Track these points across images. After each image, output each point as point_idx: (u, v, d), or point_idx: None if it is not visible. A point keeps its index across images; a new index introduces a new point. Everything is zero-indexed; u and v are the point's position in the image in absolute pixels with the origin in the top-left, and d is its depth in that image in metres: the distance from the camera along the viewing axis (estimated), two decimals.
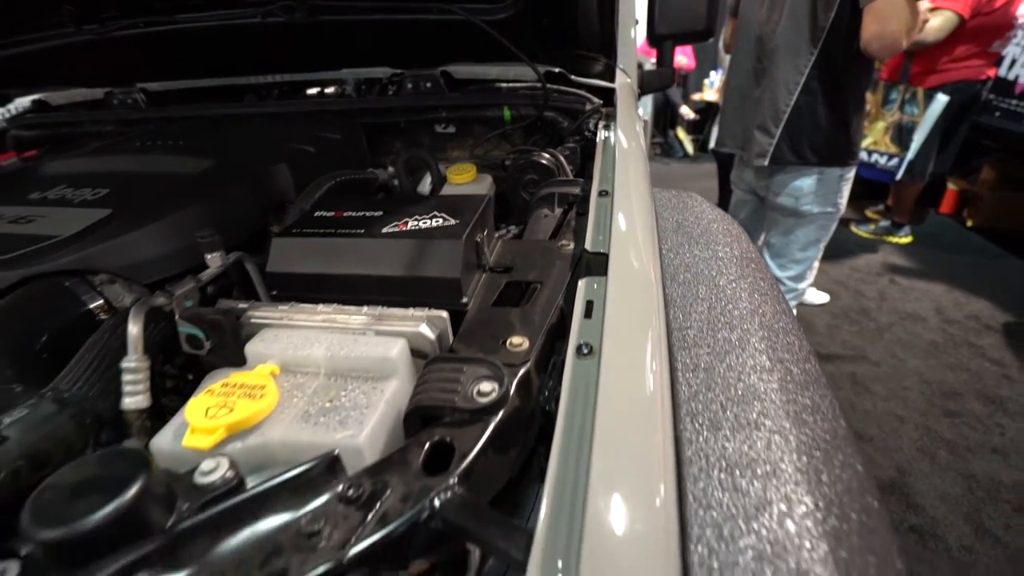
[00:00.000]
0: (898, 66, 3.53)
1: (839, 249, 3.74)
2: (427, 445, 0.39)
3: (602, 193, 0.69)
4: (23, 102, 1.45)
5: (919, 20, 1.37)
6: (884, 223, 3.90)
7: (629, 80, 1.21)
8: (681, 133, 5.79)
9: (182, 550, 0.31)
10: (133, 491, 0.32)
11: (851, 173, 1.68)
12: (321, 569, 0.31)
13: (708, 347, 0.47)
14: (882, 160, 3.74)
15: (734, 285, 0.56)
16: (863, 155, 3.83)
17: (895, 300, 3.15)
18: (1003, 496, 1.91)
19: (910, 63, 3.45)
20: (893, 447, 2.15)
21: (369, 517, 0.34)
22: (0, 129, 1.34)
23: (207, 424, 0.41)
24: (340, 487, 0.35)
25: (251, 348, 0.51)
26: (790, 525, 0.32)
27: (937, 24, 3.07)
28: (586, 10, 0.88)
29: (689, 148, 5.67)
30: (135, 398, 0.46)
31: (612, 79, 1.10)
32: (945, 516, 1.85)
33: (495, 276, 0.60)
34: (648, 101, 3.41)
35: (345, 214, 0.64)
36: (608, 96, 1.09)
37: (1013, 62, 3.43)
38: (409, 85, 1.17)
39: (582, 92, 1.08)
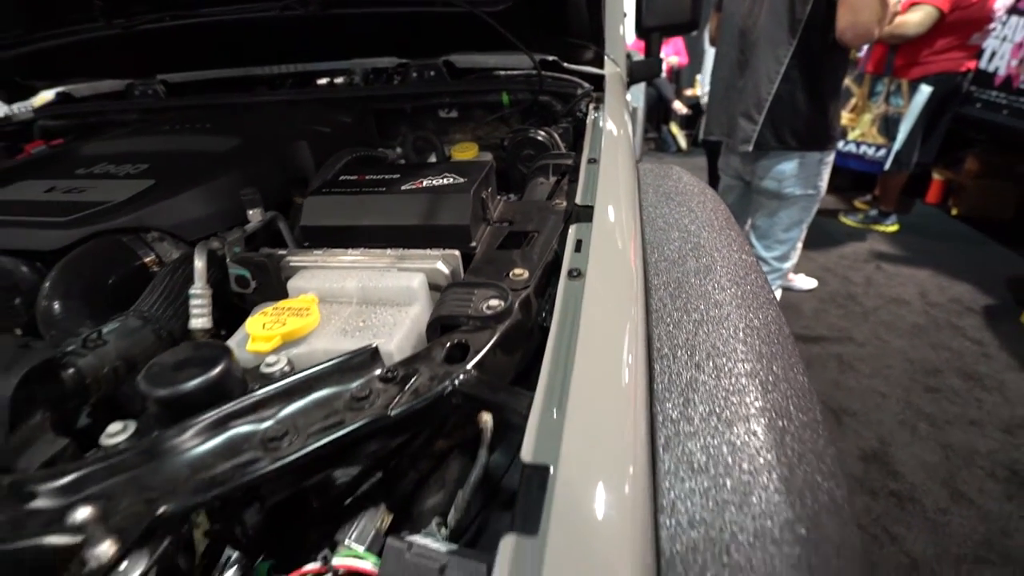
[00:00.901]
0: (883, 59, 3.64)
1: (828, 238, 3.85)
2: (447, 345, 0.48)
3: (591, 161, 0.78)
4: (47, 95, 1.54)
5: (889, 11, 1.47)
6: (872, 212, 4.01)
7: (618, 68, 1.31)
8: (675, 128, 5.90)
9: (261, 409, 0.40)
10: (220, 367, 0.41)
11: (830, 157, 1.77)
12: (368, 419, 0.40)
13: (679, 271, 0.56)
14: (870, 151, 3.85)
15: (705, 233, 0.66)
16: (852, 147, 3.94)
17: (881, 285, 3.25)
18: (978, 463, 2.01)
19: (894, 56, 3.56)
20: (875, 420, 2.25)
21: (404, 391, 0.43)
22: (27, 119, 1.42)
23: (265, 333, 0.50)
24: (379, 371, 0.44)
25: (293, 284, 0.60)
26: (742, 379, 0.41)
27: (918, 18, 3.18)
28: (576, 1, 0.97)
29: (682, 143, 5.78)
30: (200, 320, 0.56)
31: (601, 66, 1.19)
32: (923, 482, 1.95)
33: (498, 228, 0.69)
34: (641, 97, 3.52)
35: (367, 177, 0.73)
36: (598, 82, 1.19)
37: (993, 54, 3.55)
38: (414, 74, 1.26)
39: (574, 78, 1.18)
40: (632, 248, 0.55)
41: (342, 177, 0.74)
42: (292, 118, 1.08)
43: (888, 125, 3.69)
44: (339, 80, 1.34)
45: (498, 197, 0.79)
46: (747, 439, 0.38)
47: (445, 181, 0.69)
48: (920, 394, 2.38)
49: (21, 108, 1.50)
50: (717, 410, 0.41)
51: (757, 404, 0.41)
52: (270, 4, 1.09)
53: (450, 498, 0.48)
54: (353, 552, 0.42)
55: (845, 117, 3.89)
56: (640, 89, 3.45)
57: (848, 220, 4.08)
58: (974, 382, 2.43)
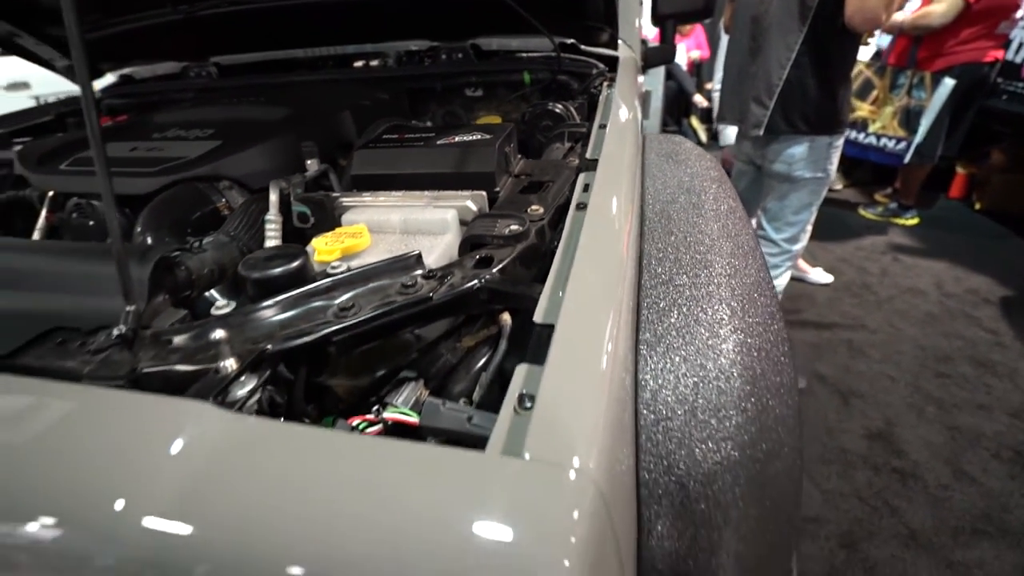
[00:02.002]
0: (905, 51, 3.63)
1: (846, 230, 3.86)
2: (476, 257, 0.59)
3: (600, 126, 0.88)
4: (110, 77, 1.69)
5: None
6: (891, 206, 4.00)
7: (632, 51, 1.40)
8: (695, 121, 5.92)
9: (332, 291, 0.52)
10: (300, 260, 0.53)
11: (839, 141, 1.84)
12: (415, 299, 0.51)
13: (670, 207, 0.66)
14: (891, 144, 3.85)
15: (696, 183, 0.76)
16: (872, 139, 3.94)
17: (896, 276, 3.27)
18: (983, 444, 2.05)
19: (917, 48, 3.55)
20: (883, 402, 2.30)
21: (442, 285, 0.54)
22: (95, 99, 1.58)
23: (328, 247, 0.62)
24: (422, 270, 0.56)
25: (346, 218, 0.72)
26: (716, 279, 0.51)
27: (942, 8, 3.18)
28: None
29: (702, 136, 5.80)
30: (273, 240, 0.68)
31: (616, 48, 1.29)
32: (927, 460, 2.00)
33: (519, 180, 0.80)
34: (659, 86, 3.58)
35: (406, 136, 0.85)
36: (613, 63, 1.28)
37: (1021, 45, 3.51)
38: (443, 55, 1.37)
39: (590, 59, 1.28)
40: (629, 187, 0.65)
41: (385, 136, 0.86)
42: (335, 93, 1.21)
43: (909, 118, 3.68)
44: (375, 63, 1.46)
45: (519, 156, 0.90)
46: (715, 319, 0.48)
47: (473, 137, 0.80)
48: (930, 379, 2.42)
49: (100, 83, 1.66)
50: (692, 304, 0.51)
51: (727, 298, 0.51)
52: None
53: (474, 384, 0.60)
54: (399, 409, 0.53)
55: (866, 109, 3.89)
56: (659, 80, 3.51)
57: (867, 213, 4.08)
58: (985, 369, 2.45)
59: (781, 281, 2.11)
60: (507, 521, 0.27)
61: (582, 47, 1.31)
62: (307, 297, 0.51)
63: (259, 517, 0.28)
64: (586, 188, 0.67)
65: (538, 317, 0.45)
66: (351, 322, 0.48)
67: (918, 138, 3.60)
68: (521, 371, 0.40)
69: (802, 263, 3.17)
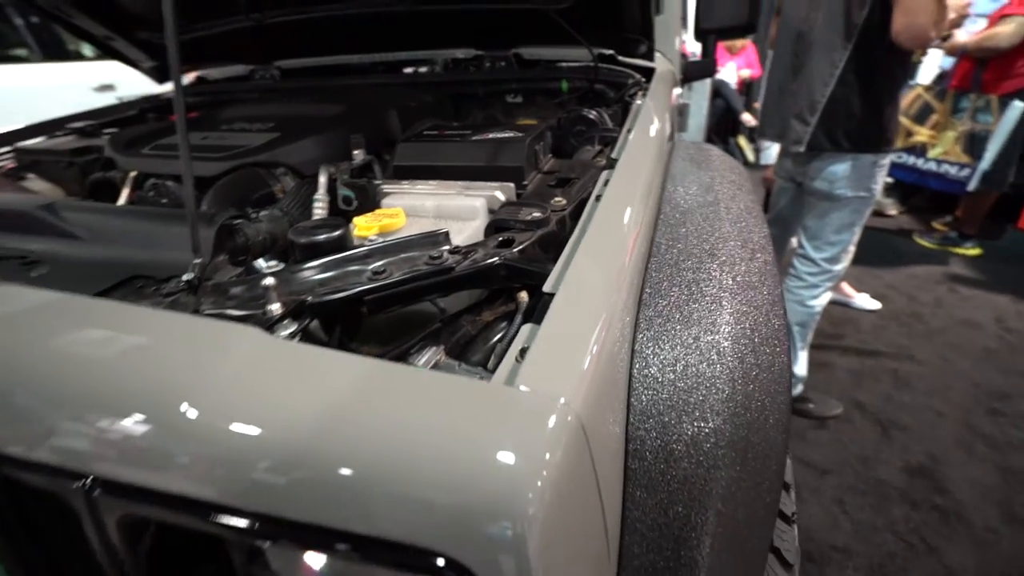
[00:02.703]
0: (969, 74, 3.49)
1: (898, 257, 3.70)
2: (499, 238, 0.64)
3: (628, 131, 0.92)
4: (187, 77, 1.87)
5: (946, 13, 1.50)
6: (951, 234, 3.81)
7: (670, 64, 1.44)
8: (742, 140, 5.83)
9: (368, 258, 0.58)
10: (342, 230, 0.60)
11: (885, 160, 1.80)
12: (440, 269, 0.56)
13: (691, 206, 0.69)
14: (953, 170, 3.69)
15: (717, 185, 0.78)
16: (932, 165, 3.78)
17: (952, 307, 3.11)
18: None
19: (982, 71, 3.41)
20: (928, 437, 2.19)
21: (466, 260, 0.59)
22: (172, 96, 1.74)
23: (366, 225, 0.69)
24: (448, 246, 0.61)
25: (385, 203, 0.79)
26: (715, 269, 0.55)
27: (1010, 29, 3.05)
28: (629, 0, 1.12)
29: (749, 155, 5.70)
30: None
31: (652, 59, 1.33)
32: (974, 501, 1.89)
33: (547, 176, 0.85)
34: (704, 103, 3.56)
35: (446, 132, 0.91)
36: (650, 74, 1.32)
37: None
38: (487, 64, 1.45)
39: (627, 70, 1.32)
40: (644, 182, 0.69)
41: (425, 132, 0.93)
42: (384, 95, 1.30)
43: (974, 143, 3.52)
44: (423, 69, 1.56)
45: (549, 156, 0.95)
46: (713, 300, 0.52)
47: (506, 134, 0.86)
48: (982, 416, 2.29)
49: (168, 87, 1.84)
50: (693, 285, 0.54)
51: (727, 284, 0.54)
52: (373, 2, 1.32)
53: (490, 355, 0.64)
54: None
55: (925, 134, 3.75)
56: (704, 96, 3.49)
57: (924, 241, 3.90)
58: None
59: (820, 301, 2.06)
60: (493, 431, 0.32)
61: (620, 58, 1.35)
62: (345, 261, 0.57)
63: (301, 421, 0.34)
64: (605, 183, 0.72)
65: (547, 288, 0.50)
66: (381, 283, 0.53)
67: (985, 164, 3.44)
68: (525, 330, 0.45)
69: (847, 287, 3.07)
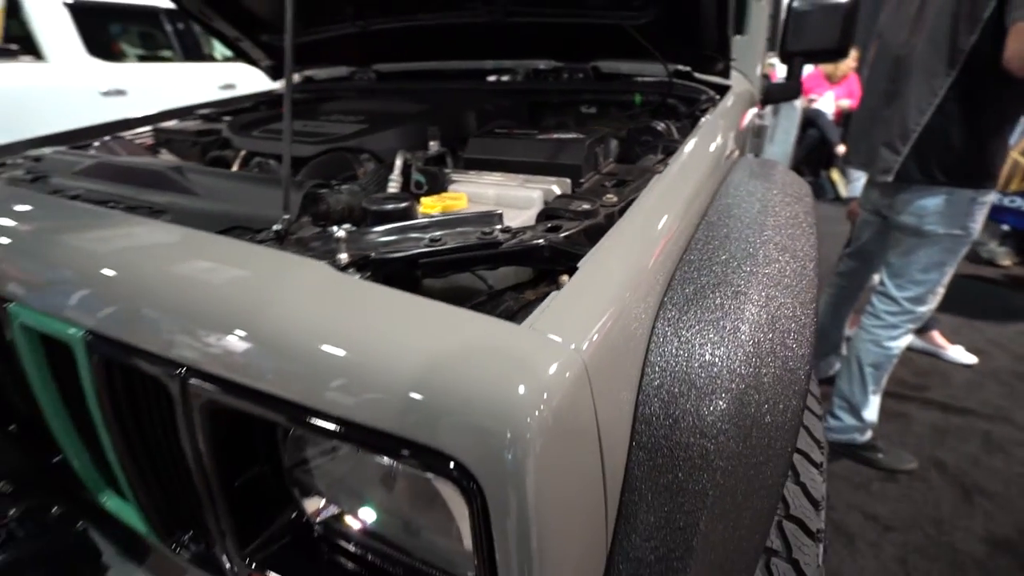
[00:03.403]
0: None
1: (1006, 312, 3.34)
2: (548, 224, 0.69)
3: (687, 141, 0.95)
4: (296, 77, 2.09)
5: None
6: None
7: (748, 83, 1.43)
8: (835, 175, 5.51)
9: (428, 228, 0.65)
10: (409, 202, 0.68)
11: (986, 197, 1.66)
12: (491, 243, 0.62)
13: (739, 211, 0.71)
14: None
15: (770, 195, 0.79)
16: None
17: None
18: None
19: None
20: (1019, 508, 1.96)
21: (515, 238, 0.65)
22: (282, 93, 1.96)
23: (431, 204, 0.76)
24: (500, 225, 0.67)
25: (451, 188, 0.86)
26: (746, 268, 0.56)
27: None
28: (707, 19, 1.14)
29: (842, 190, 5.37)
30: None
31: (728, 77, 1.33)
32: None
33: (604, 177, 0.90)
34: (792, 130, 3.40)
35: (515, 131, 0.98)
36: (725, 92, 1.33)
37: None
38: (565, 75, 1.51)
39: (701, 86, 1.33)
40: (690, 185, 0.72)
41: (496, 130, 1.01)
42: (466, 98, 1.40)
43: None
44: (505, 78, 1.65)
45: (610, 160, 0.99)
46: (740, 292, 0.54)
47: (569, 136, 0.91)
48: None
49: (280, 84, 2.07)
50: (722, 278, 0.56)
51: (758, 280, 0.56)
52: (471, 12, 1.43)
53: None
54: None
55: None
56: (792, 123, 3.34)
57: None
58: None
59: (898, 343, 1.92)
60: (507, 360, 0.37)
61: (696, 75, 1.37)
62: (407, 229, 0.65)
63: (351, 335, 0.41)
64: (656, 184, 0.75)
65: (581, 264, 0.55)
66: (435, 249, 0.60)
67: None
68: (552, 295, 0.50)
69: (939, 337, 2.82)
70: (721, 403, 0.45)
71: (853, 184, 4.11)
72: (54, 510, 0.69)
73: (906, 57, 1.66)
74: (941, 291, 1.85)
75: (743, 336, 0.49)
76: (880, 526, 1.87)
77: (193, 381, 0.45)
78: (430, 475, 0.38)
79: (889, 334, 1.90)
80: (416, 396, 0.36)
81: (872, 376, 1.97)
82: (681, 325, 0.50)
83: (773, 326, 0.52)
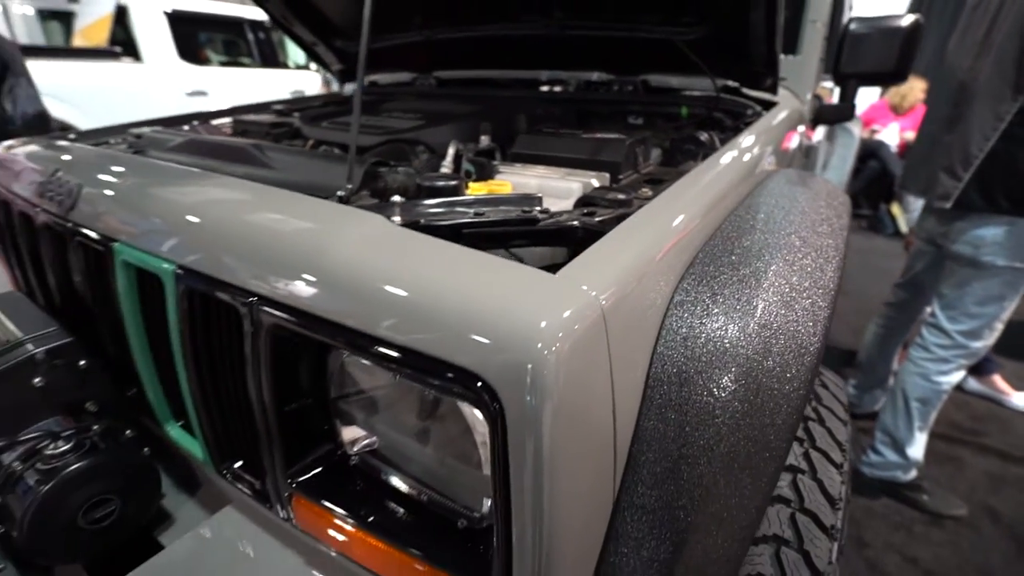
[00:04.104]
0: None
1: None
2: (583, 209, 0.74)
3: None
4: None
5: None
6: None
7: (798, 101, 1.44)
8: (896, 209, 5.28)
9: (472, 205, 0.71)
10: (457, 181, 0.74)
11: None
12: (528, 220, 0.68)
13: (766, 208, 0.74)
14: None
15: (801, 198, 0.81)
16: None
17: None
18: None
19: None
20: None
21: (551, 218, 0.70)
22: (348, 96, 2.11)
23: (479, 188, 0.83)
24: (539, 207, 0.73)
25: (498, 178, 0.93)
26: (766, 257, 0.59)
27: None
28: (756, 36, 1.16)
29: (902, 225, 5.13)
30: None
31: (775, 93, 1.35)
32: None
33: (643, 176, 0.94)
34: (849, 158, 3.29)
35: (561, 131, 1.04)
36: (772, 108, 1.35)
37: None
38: (615, 87, 1.57)
39: (748, 101, 1.36)
40: (719, 184, 0.76)
41: (544, 129, 1.07)
42: (518, 104, 1.48)
43: None
44: (558, 88, 1.72)
45: (650, 162, 1.03)
46: (755, 275, 0.57)
47: (612, 136, 0.96)
48: None
49: (348, 87, 2.22)
50: (739, 260, 0.60)
51: (775, 268, 0.59)
52: (529, 24, 1.51)
53: None
54: None
55: None
56: (849, 151, 3.24)
57: None
58: None
59: (949, 379, 1.83)
60: (534, 298, 0.42)
61: (744, 90, 1.39)
62: (455, 204, 0.71)
63: (401, 273, 0.47)
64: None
65: (609, 234, 0.59)
66: (479, 220, 0.66)
67: None
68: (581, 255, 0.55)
69: (1001, 382, 2.65)
70: (730, 367, 0.48)
71: (911, 215, 3.94)
72: (127, 433, 0.78)
73: (971, 82, 1.62)
74: (999, 327, 1.76)
75: (757, 310, 0.52)
76: (920, 570, 1.77)
77: (263, 308, 0.53)
78: (459, 398, 0.44)
79: (939, 368, 1.82)
80: (454, 323, 0.42)
81: (919, 412, 1.88)
82: (698, 295, 0.54)
83: (788, 305, 0.55)
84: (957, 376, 1.84)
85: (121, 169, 0.83)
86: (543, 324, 0.40)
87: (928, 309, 1.99)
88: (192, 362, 0.65)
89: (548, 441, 0.41)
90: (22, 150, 1.03)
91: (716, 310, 0.52)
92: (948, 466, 2.24)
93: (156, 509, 0.80)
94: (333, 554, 0.62)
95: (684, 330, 0.51)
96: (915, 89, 4.99)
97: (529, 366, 0.39)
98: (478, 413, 0.44)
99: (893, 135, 5.20)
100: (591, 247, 0.52)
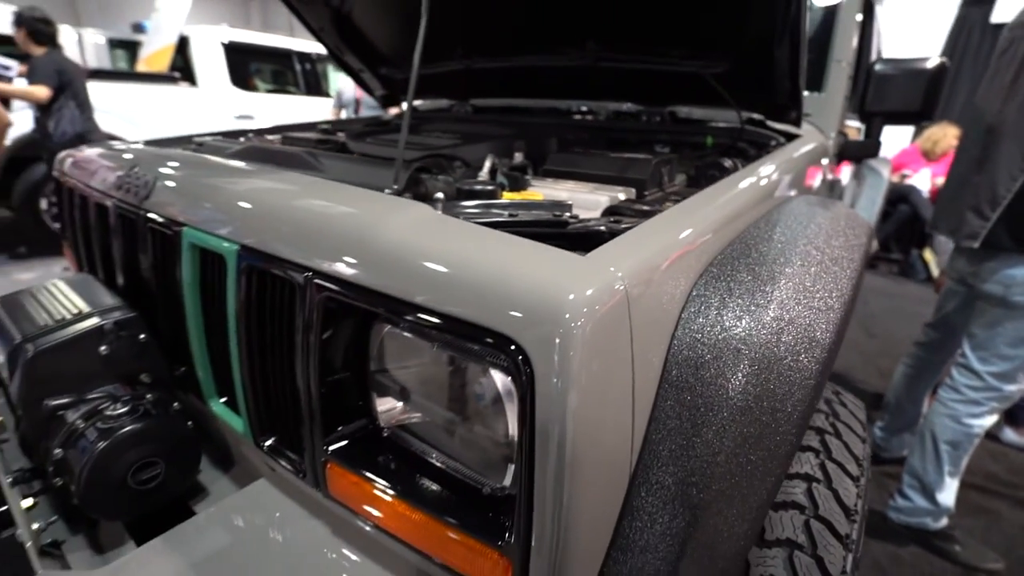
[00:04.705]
0: None
1: None
2: (611, 217, 0.79)
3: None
4: (403, 107, 2.37)
5: None
6: None
7: (822, 135, 1.49)
8: (928, 254, 5.18)
9: (509, 207, 0.77)
10: (494, 187, 0.81)
11: None
12: (557, 221, 0.73)
13: (787, 222, 0.78)
14: None
15: (819, 216, 0.85)
16: None
17: None
18: None
19: None
20: None
21: (579, 223, 0.75)
22: (388, 119, 2.24)
23: (511, 196, 0.89)
24: (569, 212, 0.78)
25: (529, 190, 0.99)
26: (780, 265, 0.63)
27: None
28: (780, 70, 1.22)
29: (934, 270, 5.03)
30: None
31: (799, 126, 1.40)
32: None
33: (668, 194, 0.99)
34: (877, 199, 3.27)
35: (591, 151, 1.11)
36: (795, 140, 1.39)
37: None
38: (644, 118, 1.64)
39: (772, 133, 1.41)
40: (738, 202, 0.80)
41: (575, 149, 1.14)
42: (550, 128, 1.56)
43: None
44: (589, 116, 1.81)
45: (675, 183, 1.08)
46: (770, 277, 0.60)
47: (639, 155, 1.02)
48: None
49: (391, 112, 2.36)
50: (755, 262, 0.63)
51: (789, 271, 0.63)
52: (565, 57, 1.60)
53: None
54: None
55: None
56: (878, 192, 3.23)
57: None
58: None
59: (980, 422, 1.78)
60: (564, 275, 0.47)
61: (768, 123, 1.45)
62: (491, 205, 0.77)
63: (444, 252, 0.53)
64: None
65: (635, 229, 0.64)
66: (512, 220, 0.72)
67: None
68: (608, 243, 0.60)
69: None
70: (744, 354, 0.51)
71: (943, 258, 3.87)
72: (175, 405, 0.84)
73: (999, 125, 1.64)
74: None
75: (771, 304, 0.55)
76: None
77: (317, 281, 0.59)
78: (493, 363, 0.48)
79: (969, 411, 1.78)
80: (494, 293, 0.47)
81: (948, 456, 1.83)
82: (716, 288, 0.57)
83: (801, 301, 0.58)
84: (989, 420, 1.78)
85: (191, 165, 0.92)
86: (573, 295, 0.44)
87: (959, 350, 1.95)
88: (244, 336, 0.71)
89: (573, 402, 0.45)
90: (99, 152, 1.15)
91: (732, 303, 0.56)
92: (983, 518, 2.14)
93: (193, 481, 0.85)
94: (360, 524, 0.66)
95: (702, 318, 0.55)
96: (948, 136, 4.98)
97: (560, 329, 0.43)
98: (509, 379, 0.48)
99: (925, 180, 5.16)
100: (617, 238, 0.57)
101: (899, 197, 5.28)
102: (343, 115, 5.29)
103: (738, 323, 0.53)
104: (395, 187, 0.79)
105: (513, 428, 0.51)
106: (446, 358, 0.56)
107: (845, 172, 2.28)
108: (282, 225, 0.66)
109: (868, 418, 1.45)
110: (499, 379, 0.51)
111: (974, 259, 1.76)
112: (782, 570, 0.66)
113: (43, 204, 4.36)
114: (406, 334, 0.57)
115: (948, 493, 1.87)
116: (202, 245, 0.75)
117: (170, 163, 0.93)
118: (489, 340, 0.46)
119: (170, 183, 0.86)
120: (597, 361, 0.45)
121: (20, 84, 3.52)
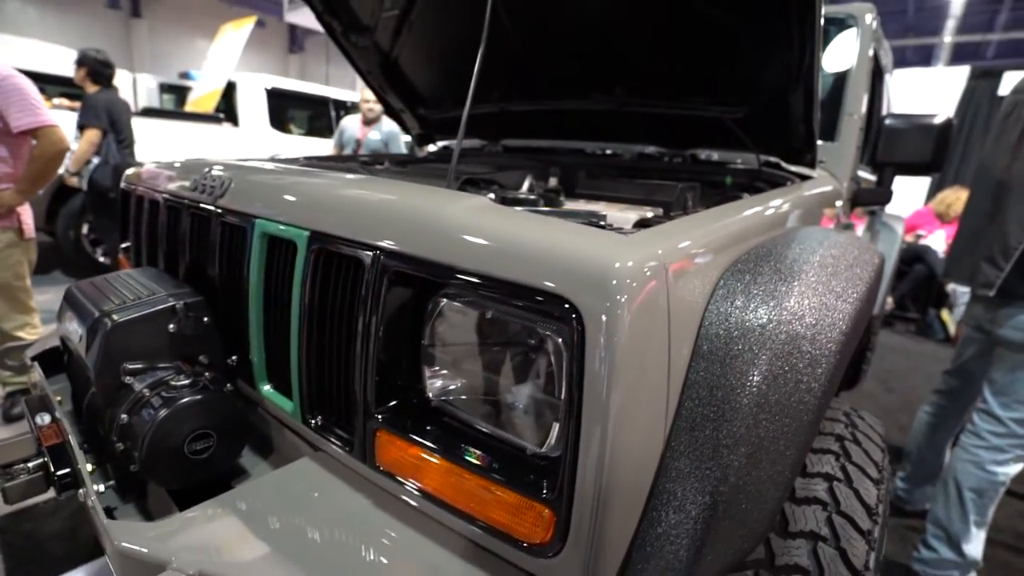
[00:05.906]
0: None
1: None
2: (634, 225, 0.87)
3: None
4: (434, 146, 2.53)
5: None
6: None
7: (835, 180, 1.58)
8: (945, 314, 5.16)
9: (548, 213, 0.85)
10: (535, 196, 0.89)
11: None
12: (592, 224, 0.80)
13: (806, 239, 0.85)
14: None
15: (835, 236, 0.92)
16: None
17: None
18: None
19: None
20: None
21: (612, 227, 0.83)
22: (423, 158, 2.39)
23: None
24: (602, 221, 0.86)
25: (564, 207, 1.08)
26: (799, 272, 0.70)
27: None
28: (795, 114, 1.32)
29: (952, 329, 4.99)
30: None
31: (813, 168, 1.49)
32: None
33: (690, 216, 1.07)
34: (892, 254, 3.31)
35: (620, 179, 1.20)
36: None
37: None
38: (666, 159, 1.75)
39: (788, 174, 1.50)
40: (759, 220, 0.88)
41: (604, 178, 1.24)
42: (578, 163, 1.67)
43: None
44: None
45: (698, 208, 1.16)
46: (789, 276, 0.67)
47: (665, 181, 1.11)
48: None
49: (428, 150, 2.51)
50: (776, 265, 0.70)
51: (806, 274, 0.69)
52: (592, 101, 1.74)
53: None
54: None
55: None
56: (892, 248, 3.27)
57: None
58: None
59: (1006, 470, 1.75)
60: (615, 251, 0.54)
61: (783, 164, 1.54)
62: (532, 211, 0.85)
63: (506, 233, 0.60)
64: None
65: (670, 222, 0.72)
66: (557, 211, 0.80)
67: None
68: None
69: None
70: (769, 331, 0.57)
71: (959, 309, 3.86)
72: (227, 387, 0.90)
73: (1007, 180, 1.72)
74: None
75: (788, 301, 0.62)
76: None
77: (384, 259, 0.66)
78: (546, 321, 0.54)
79: (993, 457, 1.75)
80: (550, 259, 0.55)
81: (974, 504, 1.79)
82: (744, 274, 0.64)
83: (819, 292, 0.64)
84: (1014, 468, 1.75)
85: (264, 168, 1.03)
86: (620, 264, 0.51)
87: (979, 396, 1.94)
88: (307, 316, 0.78)
89: (618, 357, 0.50)
90: (170, 164, 1.27)
91: (756, 290, 0.62)
92: (1009, 574, 2.05)
93: (238, 459, 0.90)
94: (402, 496, 0.70)
95: (729, 301, 0.61)
96: (961, 199, 5.08)
97: (611, 291, 0.50)
98: (560, 340, 0.54)
99: (939, 242, 5.22)
100: (657, 226, 0.64)
101: (915, 257, 5.33)
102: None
103: (762, 306, 0.59)
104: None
105: (562, 387, 0.56)
106: (500, 324, 0.62)
107: (859, 228, 2.36)
108: (350, 211, 0.74)
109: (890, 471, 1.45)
110: (550, 340, 0.57)
111: (991, 306, 1.79)
112: (807, 559, 0.67)
113: (84, 229, 4.59)
114: (463, 303, 0.63)
115: (975, 544, 1.81)
116: (273, 233, 0.84)
117: (244, 166, 1.04)
118: (543, 300, 0.53)
119: (245, 183, 0.96)
120: (640, 323, 0.51)
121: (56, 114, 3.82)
